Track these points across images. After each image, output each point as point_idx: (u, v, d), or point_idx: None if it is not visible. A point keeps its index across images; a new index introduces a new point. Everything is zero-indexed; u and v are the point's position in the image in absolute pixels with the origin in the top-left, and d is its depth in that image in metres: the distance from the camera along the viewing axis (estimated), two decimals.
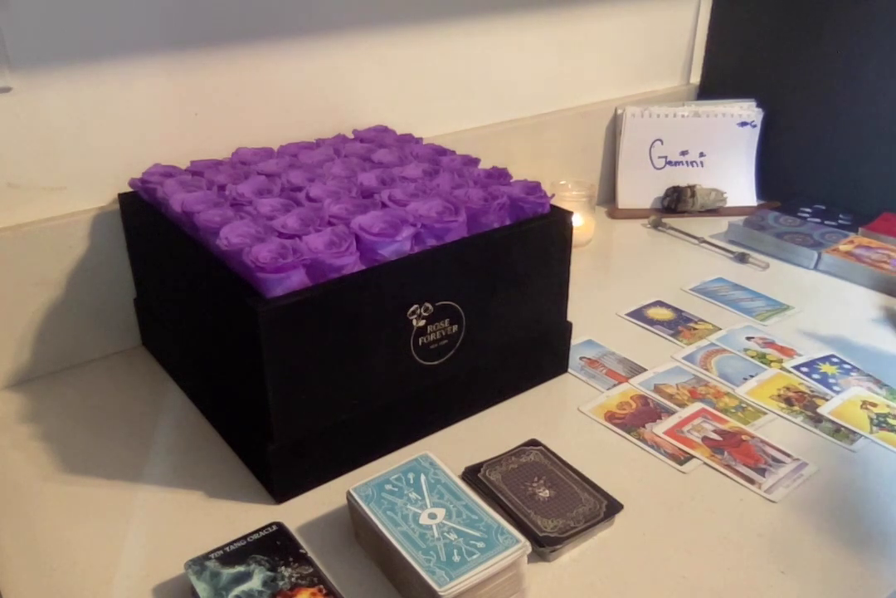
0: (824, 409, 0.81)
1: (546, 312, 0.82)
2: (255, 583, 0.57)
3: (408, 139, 0.93)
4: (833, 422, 0.79)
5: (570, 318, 0.85)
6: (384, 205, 0.73)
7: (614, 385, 0.85)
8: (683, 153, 1.31)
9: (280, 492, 0.69)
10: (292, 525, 0.64)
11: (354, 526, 0.64)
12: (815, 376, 0.86)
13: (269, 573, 0.58)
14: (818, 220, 1.22)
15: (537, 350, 0.83)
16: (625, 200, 1.32)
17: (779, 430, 0.78)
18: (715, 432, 0.77)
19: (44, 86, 0.78)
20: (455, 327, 0.73)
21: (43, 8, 0.75)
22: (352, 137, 0.95)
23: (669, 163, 1.31)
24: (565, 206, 0.81)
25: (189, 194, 0.74)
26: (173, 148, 0.88)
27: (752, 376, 0.86)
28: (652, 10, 1.27)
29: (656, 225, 1.26)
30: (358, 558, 0.63)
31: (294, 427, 0.67)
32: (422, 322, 0.70)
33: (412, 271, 0.68)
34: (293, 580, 0.57)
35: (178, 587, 0.60)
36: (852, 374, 0.87)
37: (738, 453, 0.74)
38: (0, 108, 0.76)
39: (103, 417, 0.81)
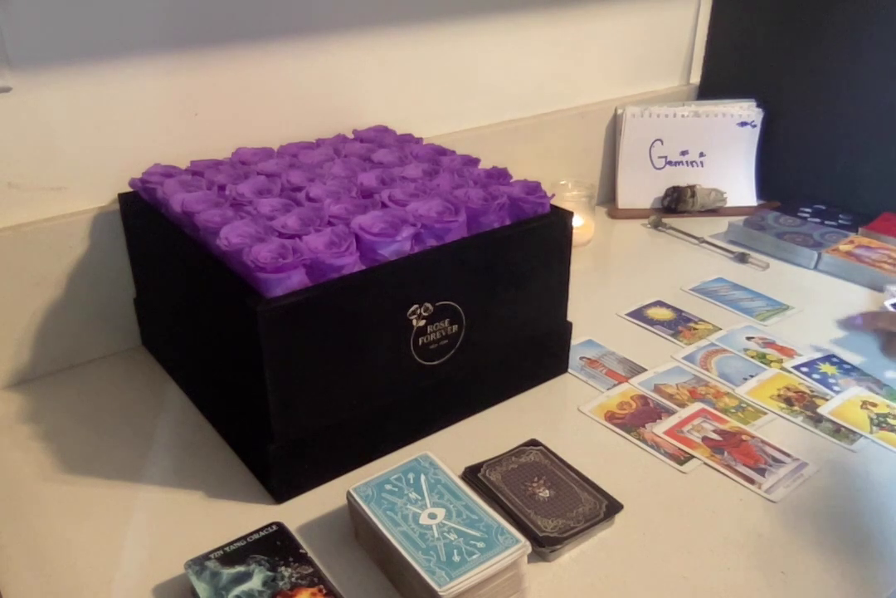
0: (824, 409, 0.81)
1: (546, 312, 0.82)
2: (255, 583, 0.57)
3: (408, 139, 0.93)
4: (833, 422, 0.79)
5: (570, 318, 0.85)
6: (384, 205, 0.73)
7: (614, 385, 0.85)
8: (683, 153, 1.31)
9: (280, 492, 0.69)
10: (292, 525, 0.64)
11: (354, 526, 0.64)
12: (815, 376, 0.86)
13: (269, 573, 0.58)
14: (818, 220, 1.22)
15: (537, 350, 0.83)
16: (625, 200, 1.32)
17: (779, 430, 0.78)
18: (715, 432, 0.77)
19: (44, 86, 0.78)
20: (455, 327, 0.73)
21: (43, 8, 0.75)
22: (352, 137, 0.95)
23: (669, 163, 1.31)
24: (565, 206, 0.81)
25: (189, 194, 0.74)
26: (173, 148, 0.88)
27: (752, 376, 0.86)
28: (652, 10, 1.27)
29: (656, 225, 1.26)
30: (358, 558, 0.63)
31: (294, 427, 0.67)
32: (422, 322, 0.70)
33: (412, 271, 0.68)
34: (293, 580, 0.57)
35: (178, 587, 0.60)
36: (852, 374, 0.87)
37: (738, 453, 0.74)
38: (0, 108, 0.76)
39: (103, 417, 0.81)
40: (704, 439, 0.76)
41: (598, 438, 0.77)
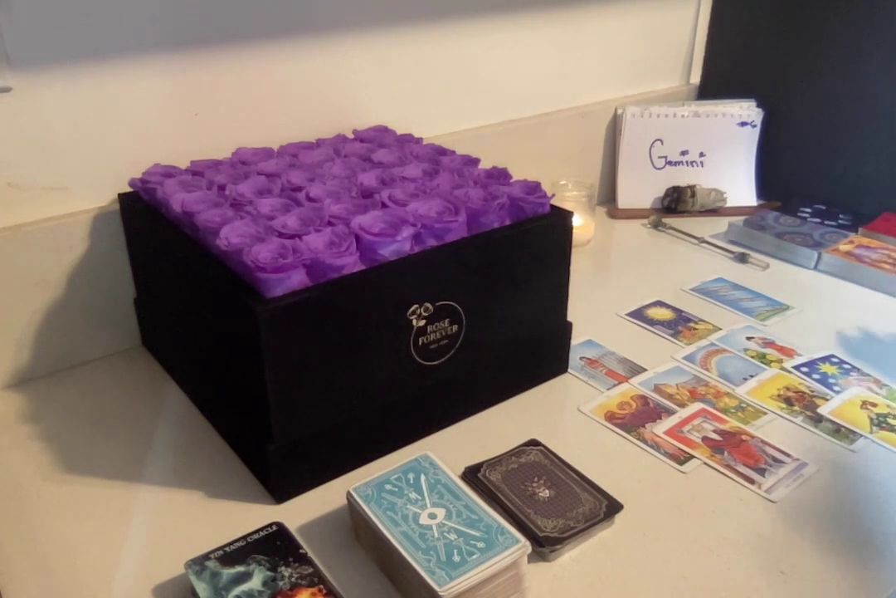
0: (824, 409, 0.81)
1: (546, 312, 0.82)
2: (255, 583, 0.57)
3: (408, 139, 0.93)
4: (833, 422, 0.79)
5: (570, 318, 0.85)
6: (384, 205, 0.73)
7: (614, 385, 0.85)
8: (683, 153, 1.31)
9: (280, 492, 0.69)
10: (292, 525, 0.64)
11: (354, 526, 0.64)
12: (815, 376, 0.86)
13: (269, 573, 0.58)
14: (818, 220, 1.22)
15: (537, 350, 0.83)
16: (625, 200, 1.32)
17: (779, 430, 0.78)
18: (715, 432, 0.77)
19: (44, 86, 0.78)
20: (455, 327, 0.73)
21: (43, 8, 0.75)
22: (352, 137, 0.95)
23: (669, 163, 1.31)
24: (565, 206, 0.81)
25: (189, 194, 0.74)
26: (173, 148, 0.88)
27: (752, 376, 0.86)
28: (652, 10, 1.27)
29: (656, 225, 1.26)
30: (358, 558, 0.63)
31: (294, 427, 0.67)
32: (422, 322, 0.70)
33: (412, 271, 0.68)
34: (293, 580, 0.57)
35: (178, 587, 0.60)
36: (852, 374, 0.87)
37: (738, 453, 0.74)
38: (0, 108, 0.76)
39: (103, 417, 0.81)
40: (704, 439, 0.76)
41: (598, 438, 0.77)
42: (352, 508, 0.62)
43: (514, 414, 0.81)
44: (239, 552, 0.59)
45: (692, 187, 1.28)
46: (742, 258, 1.15)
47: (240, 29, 0.87)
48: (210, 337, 0.74)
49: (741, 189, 1.32)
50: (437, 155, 0.87)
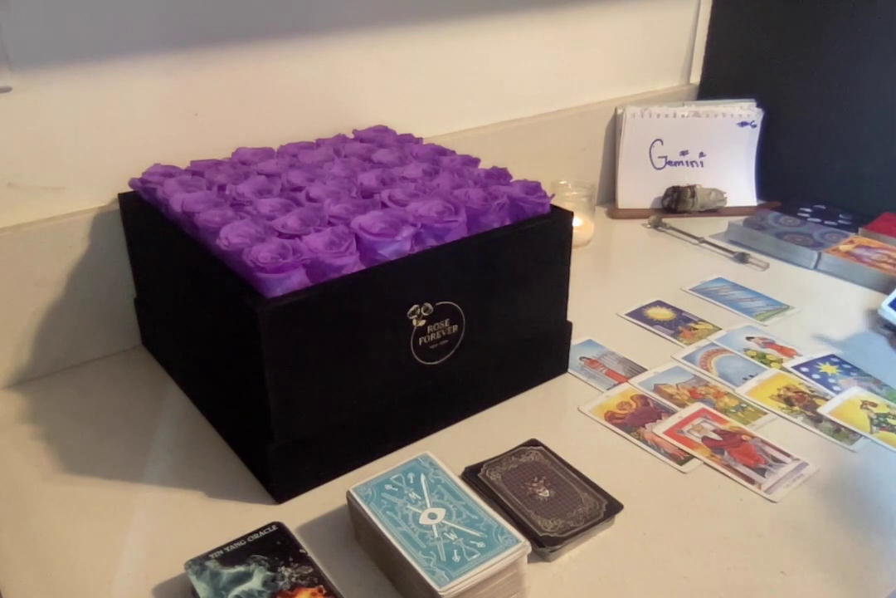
0: (824, 409, 0.81)
1: (546, 312, 0.82)
2: (255, 583, 0.57)
3: (408, 139, 0.93)
4: (833, 422, 0.79)
5: (570, 318, 0.85)
6: (384, 205, 0.73)
7: (614, 385, 0.85)
8: (683, 153, 1.31)
9: (280, 492, 0.69)
10: (292, 525, 0.64)
11: (354, 526, 0.64)
12: (815, 376, 0.86)
13: (269, 573, 0.58)
14: (818, 220, 1.22)
15: (537, 350, 0.83)
16: (625, 200, 1.32)
17: (779, 430, 0.78)
18: (715, 432, 0.77)
19: (44, 86, 0.78)
20: (455, 327, 0.73)
21: (43, 8, 0.75)
22: (352, 137, 0.95)
23: (669, 163, 1.31)
24: (565, 206, 0.81)
25: (189, 194, 0.74)
26: (173, 148, 0.88)
27: (752, 376, 0.86)
28: (652, 10, 1.27)
29: (656, 225, 1.26)
30: (358, 558, 0.63)
31: (294, 427, 0.67)
32: (422, 322, 0.70)
33: (412, 271, 0.68)
34: (293, 580, 0.57)
35: (178, 587, 0.60)
36: (852, 374, 0.87)
37: (738, 453, 0.74)
38: (0, 108, 0.76)
39: (103, 417, 0.81)
40: (704, 439, 0.76)
41: (598, 438, 0.77)
42: (352, 508, 0.62)
43: (514, 414, 0.81)
44: (239, 552, 0.59)
45: (692, 187, 1.28)
46: (742, 258, 1.15)
47: (240, 29, 0.87)
48: (210, 337, 0.74)
49: (741, 189, 1.32)
50: (437, 155, 0.87)
